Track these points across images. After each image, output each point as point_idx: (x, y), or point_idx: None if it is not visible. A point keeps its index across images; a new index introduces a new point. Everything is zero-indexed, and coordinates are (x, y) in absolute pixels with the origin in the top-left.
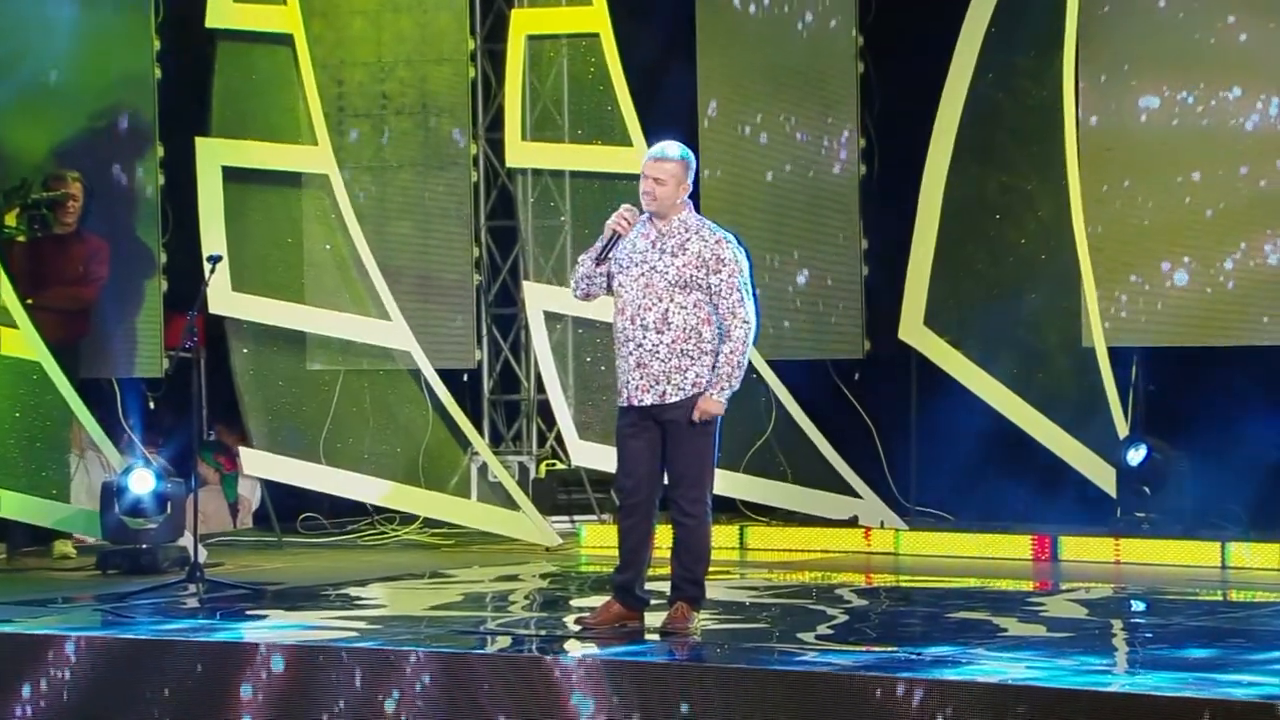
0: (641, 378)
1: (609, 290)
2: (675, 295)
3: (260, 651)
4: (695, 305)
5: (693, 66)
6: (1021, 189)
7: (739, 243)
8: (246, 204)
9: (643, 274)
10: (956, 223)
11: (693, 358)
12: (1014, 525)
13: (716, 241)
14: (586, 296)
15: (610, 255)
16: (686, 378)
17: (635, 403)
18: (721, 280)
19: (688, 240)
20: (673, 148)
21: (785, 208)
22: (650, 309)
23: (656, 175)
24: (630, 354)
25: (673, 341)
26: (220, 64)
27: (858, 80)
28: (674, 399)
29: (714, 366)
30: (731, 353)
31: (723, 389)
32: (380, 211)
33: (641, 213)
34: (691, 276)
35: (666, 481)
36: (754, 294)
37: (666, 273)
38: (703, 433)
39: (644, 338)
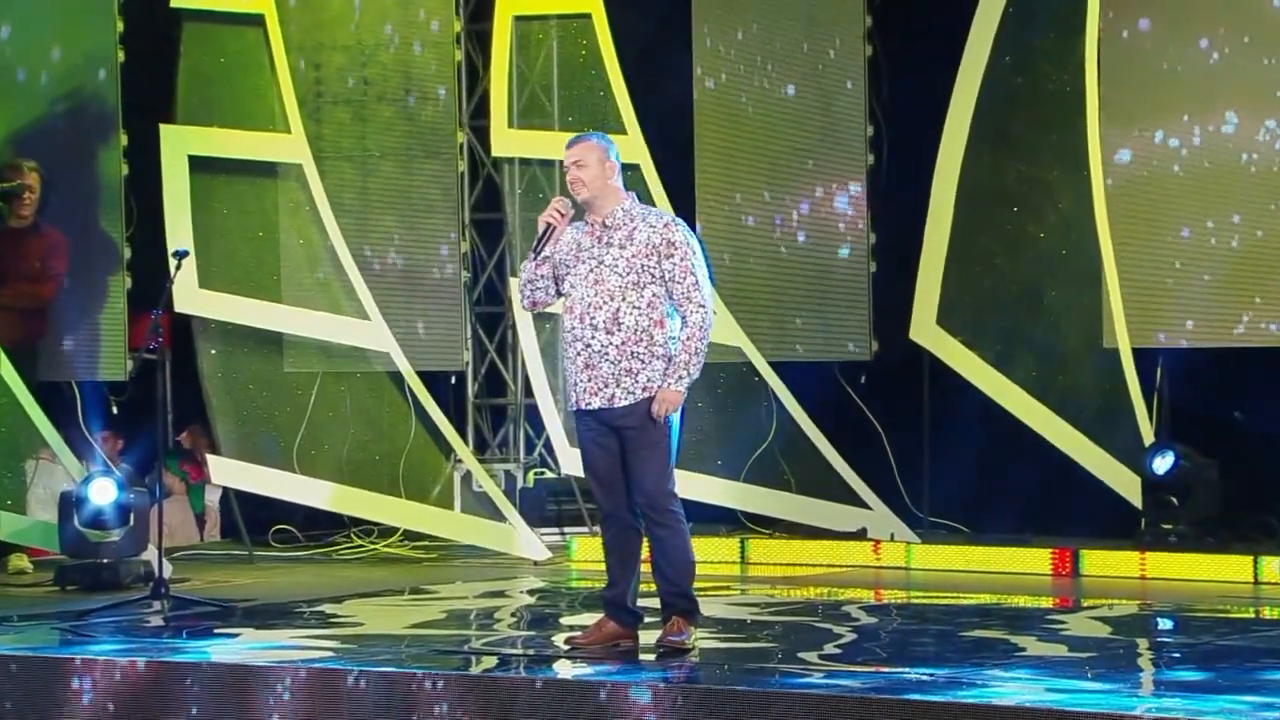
0: (590, 380)
1: (559, 294)
2: (628, 294)
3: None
4: (649, 305)
5: (689, 47)
6: (1041, 180)
7: (690, 228)
8: (215, 196)
9: (591, 270)
10: (971, 215)
11: (643, 360)
12: (1033, 538)
13: (665, 225)
14: (534, 305)
15: (549, 253)
16: (637, 381)
17: (583, 405)
18: (675, 265)
19: (634, 229)
20: (586, 133)
21: (787, 199)
22: (600, 308)
23: (575, 159)
24: (579, 355)
25: (623, 343)
26: (186, 46)
27: (865, 63)
28: (623, 403)
29: (667, 366)
30: (689, 339)
31: (681, 378)
32: (359, 203)
33: (575, 207)
34: (643, 266)
35: (632, 491)
36: (710, 278)
37: (616, 266)
38: (657, 436)
39: (593, 338)
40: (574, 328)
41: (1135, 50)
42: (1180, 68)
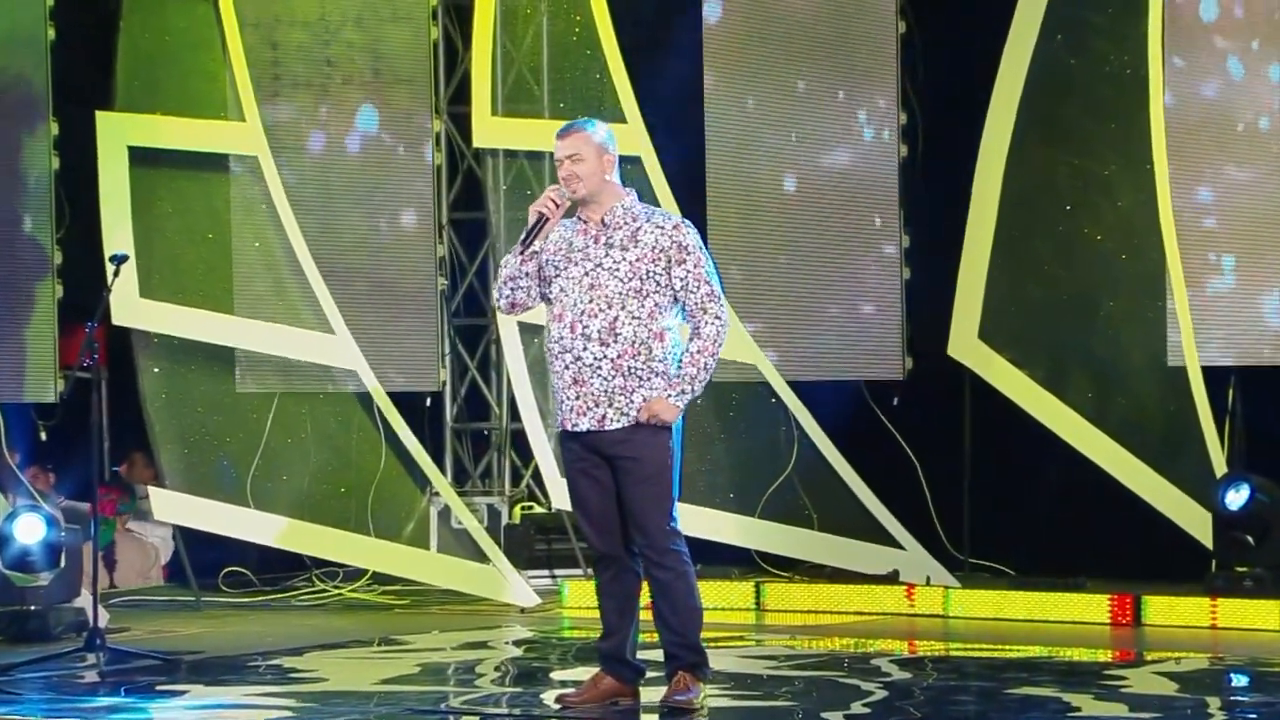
0: (578, 397)
1: (544, 298)
2: (628, 302)
3: None
4: (650, 315)
5: (697, 25)
6: (1097, 174)
7: (697, 231)
8: (158, 192)
9: (587, 274)
10: (1018, 215)
11: (641, 377)
12: (1088, 582)
13: (675, 227)
14: (513, 307)
15: (538, 248)
16: (632, 401)
17: (569, 426)
18: (688, 272)
19: (639, 230)
20: (580, 120)
21: (809, 196)
22: (595, 316)
23: (570, 152)
24: (566, 368)
25: (618, 357)
26: (127, 22)
27: (898, 41)
28: (615, 425)
29: (668, 383)
30: (699, 352)
31: (683, 392)
32: (322, 202)
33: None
34: (648, 272)
35: (629, 529)
36: (720, 286)
37: (617, 270)
38: (657, 465)
39: (584, 350)
40: (562, 337)
41: (1204, 27)
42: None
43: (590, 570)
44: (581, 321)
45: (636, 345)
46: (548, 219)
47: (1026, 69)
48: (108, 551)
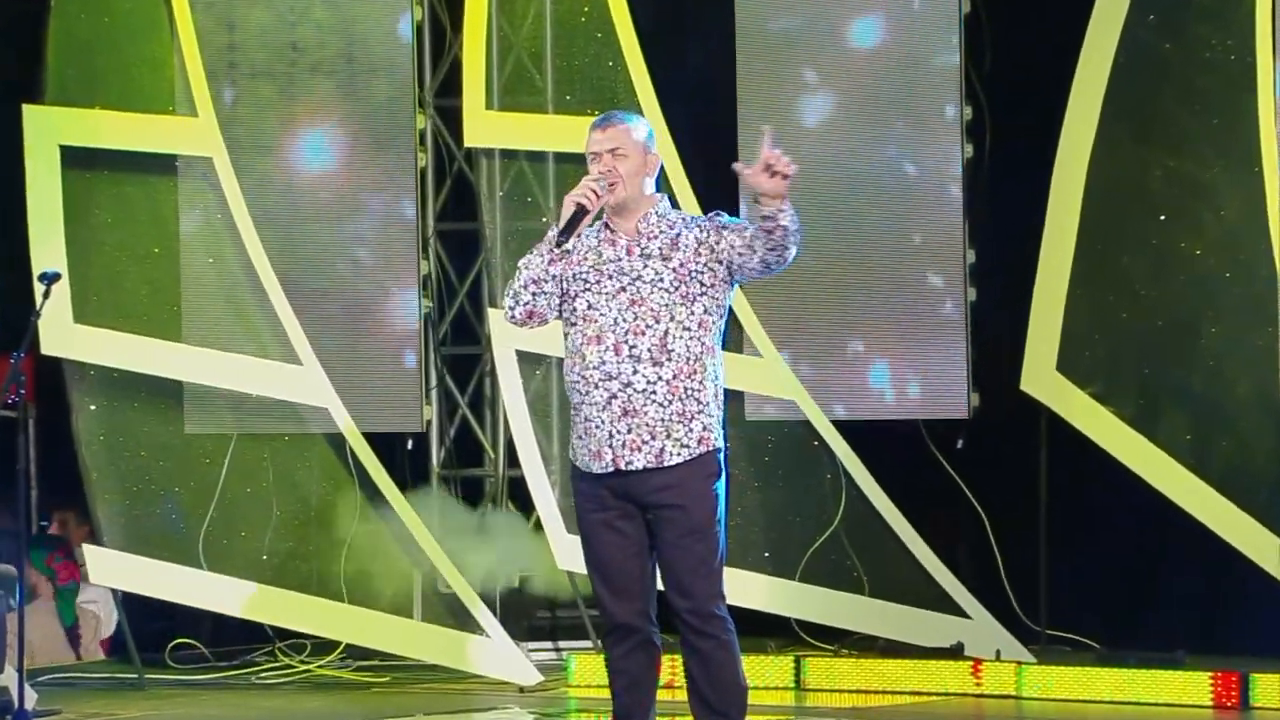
0: (629, 430)
1: (564, 318)
2: (676, 312)
3: None
4: (700, 325)
5: (728, 4)
6: (1197, 178)
7: None
8: (96, 199)
9: (624, 288)
10: (1103, 225)
11: (699, 400)
12: (1187, 658)
13: (710, 216)
14: (529, 316)
15: (570, 246)
16: (691, 430)
17: (622, 465)
18: (724, 223)
19: (678, 234)
20: (619, 112)
21: (857, 202)
22: (643, 333)
23: (612, 146)
24: (613, 398)
25: (674, 377)
26: (59, 3)
27: (961, 23)
28: (675, 460)
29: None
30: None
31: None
32: (287, 210)
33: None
34: (692, 274)
35: (663, 589)
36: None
37: (661, 280)
38: (705, 514)
39: (634, 373)
40: (604, 362)
41: None
42: None
43: (600, 643)
44: (627, 342)
45: (691, 362)
46: (588, 211)
47: (1113, 55)
48: (74, 626)
